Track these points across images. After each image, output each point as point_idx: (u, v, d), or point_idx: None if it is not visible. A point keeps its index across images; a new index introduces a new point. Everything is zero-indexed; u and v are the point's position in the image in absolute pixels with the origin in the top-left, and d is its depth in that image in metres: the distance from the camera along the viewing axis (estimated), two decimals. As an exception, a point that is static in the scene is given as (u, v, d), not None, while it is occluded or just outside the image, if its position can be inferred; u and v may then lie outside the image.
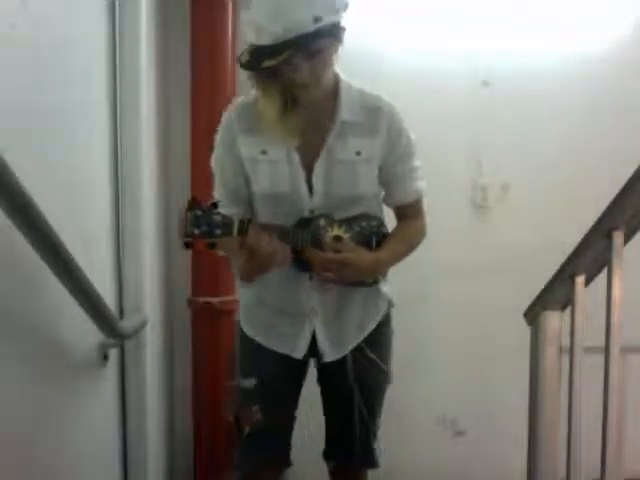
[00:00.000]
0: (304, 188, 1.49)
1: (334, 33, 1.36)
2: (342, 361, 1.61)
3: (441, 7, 2.51)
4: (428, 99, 2.51)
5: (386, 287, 1.67)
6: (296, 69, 1.35)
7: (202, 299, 2.37)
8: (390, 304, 1.70)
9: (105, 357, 1.70)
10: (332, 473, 1.78)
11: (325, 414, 1.74)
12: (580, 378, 1.35)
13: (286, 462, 1.69)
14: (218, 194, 1.57)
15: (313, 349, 1.60)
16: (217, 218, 1.32)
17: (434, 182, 2.55)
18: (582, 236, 1.32)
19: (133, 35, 1.85)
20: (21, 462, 1.18)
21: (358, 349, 1.62)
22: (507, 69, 2.52)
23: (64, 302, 1.35)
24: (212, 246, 1.36)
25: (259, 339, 1.62)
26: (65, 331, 1.44)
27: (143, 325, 1.90)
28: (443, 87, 2.52)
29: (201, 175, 2.36)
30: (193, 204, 1.32)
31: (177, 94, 2.39)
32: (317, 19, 1.28)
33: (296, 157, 1.48)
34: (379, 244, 1.56)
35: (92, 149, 1.69)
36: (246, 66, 1.38)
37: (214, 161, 1.59)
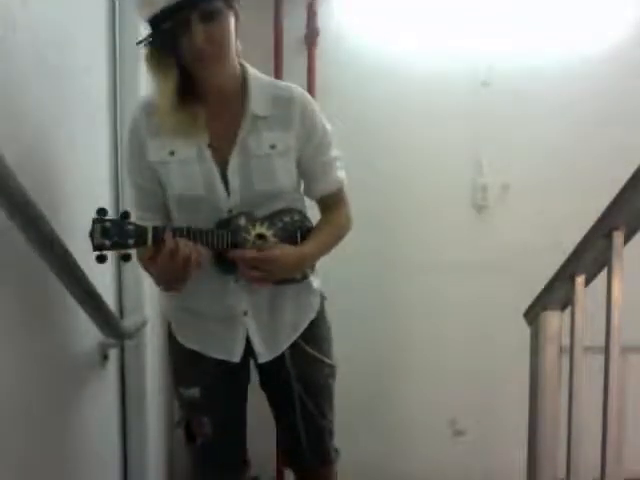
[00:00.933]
0: (220, 187, 1.42)
1: (230, 8, 1.33)
2: (281, 360, 1.56)
3: (441, 7, 2.51)
4: (428, 99, 2.51)
5: (317, 282, 1.62)
6: (193, 32, 1.28)
7: (202, 299, 2.36)
8: (322, 298, 1.65)
9: (105, 357, 1.70)
10: (298, 477, 1.75)
11: (275, 419, 1.70)
12: (580, 378, 1.35)
13: (244, 468, 1.68)
14: (133, 200, 1.51)
15: (249, 351, 1.55)
16: (129, 228, 1.25)
17: (434, 182, 2.58)
18: (582, 236, 1.32)
19: (133, 35, 1.85)
20: (21, 462, 1.18)
21: (295, 346, 1.57)
22: (507, 69, 2.53)
23: (64, 302, 1.35)
24: (127, 258, 1.30)
25: (194, 346, 1.56)
26: (65, 331, 1.44)
27: (143, 325, 1.91)
28: (443, 87, 2.52)
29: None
30: (102, 214, 1.25)
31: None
32: None
33: (208, 154, 1.41)
34: (304, 238, 1.51)
35: (92, 149, 1.69)
36: (144, 40, 1.33)
37: (125, 166, 1.52)
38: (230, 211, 1.42)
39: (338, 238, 1.57)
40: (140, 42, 1.34)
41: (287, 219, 1.48)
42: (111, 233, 1.24)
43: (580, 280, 1.36)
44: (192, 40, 1.28)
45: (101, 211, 1.26)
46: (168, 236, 1.27)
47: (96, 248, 1.25)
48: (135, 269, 1.89)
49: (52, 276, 1.24)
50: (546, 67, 2.53)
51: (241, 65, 1.45)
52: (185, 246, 1.29)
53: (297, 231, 1.50)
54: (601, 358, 1.23)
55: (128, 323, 1.80)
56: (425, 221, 2.57)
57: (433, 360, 2.60)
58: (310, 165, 1.51)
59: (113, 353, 1.77)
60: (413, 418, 2.62)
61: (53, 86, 1.37)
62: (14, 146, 1.07)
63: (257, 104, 1.42)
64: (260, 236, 1.42)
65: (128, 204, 1.87)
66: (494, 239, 2.57)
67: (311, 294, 1.60)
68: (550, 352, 1.53)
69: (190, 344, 1.57)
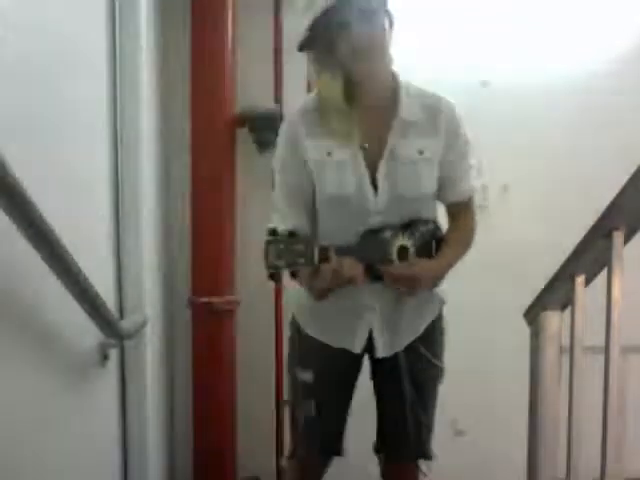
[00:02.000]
0: (369, 189, 1.52)
1: (381, 1, 1.45)
2: (395, 358, 1.65)
3: (441, 7, 2.51)
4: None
5: (440, 288, 1.70)
6: (351, 33, 1.39)
7: (202, 299, 2.37)
8: (442, 303, 1.73)
9: (105, 357, 1.70)
10: (384, 466, 1.82)
11: (378, 409, 1.77)
12: (580, 378, 1.35)
13: (338, 452, 1.77)
14: (281, 195, 1.60)
15: (368, 345, 1.64)
16: (299, 248, 1.35)
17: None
18: (582, 236, 1.32)
19: (133, 35, 1.85)
20: (20, 462, 1.18)
21: (411, 347, 1.65)
22: (507, 69, 2.53)
23: (64, 302, 1.35)
24: (294, 274, 1.45)
25: (319, 337, 1.67)
26: (65, 331, 1.44)
27: (143, 325, 1.91)
28: (443, 87, 2.51)
29: (201, 175, 2.37)
30: (273, 235, 1.36)
31: (177, 94, 2.39)
32: None
33: (360, 157, 1.51)
34: (438, 245, 1.62)
35: (92, 149, 1.69)
36: (305, 43, 1.45)
37: (277, 164, 1.61)
38: (377, 213, 1.52)
39: (467, 245, 1.67)
40: (301, 48, 1.46)
41: (423, 229, 1.58)
42: (284, 253, 1.33)
43: (580, 280, 1.35)
44: (350, 36, 1.39)
45: (273, 232, 1.36)
46: (333, 257, 1.38)
47: (270, 268, 1.34)
48: (135, 269, 1.90)
49: (52, 276, 1.25)
50: (546, 67, 2.53)
51: (394, 74, 1.55)
52: (349, 267, 1.41)
53: (432, 240, 1.60)
54: (601, 358, 1.23)
55: (128, 323, 1.81)
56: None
57: (433, 360, 2.60)
58: (449, 171, 1.59)
59: (113, 353, 1.77)
60: (413, 418, 2.62)
61: (53, 86, 1.37)
62: (14, 146, 1.07)
63: (407, 110, 1.51)
64: (402, 247, 1.52)
65: (128, 203, 1.88)
66: (494, 239, 2.56)
67: (433, 299, 1.69)
68: (550, 352, 1.53)
69: (314, 333, 1.67)
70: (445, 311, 1.75)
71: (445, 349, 1.74)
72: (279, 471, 2.53)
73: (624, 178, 1.14)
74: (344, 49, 1.41)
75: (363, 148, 1.52)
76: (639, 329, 1.56)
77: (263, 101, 2.41)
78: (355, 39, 1.39)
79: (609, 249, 1.21)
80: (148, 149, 1.97)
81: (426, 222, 1.59)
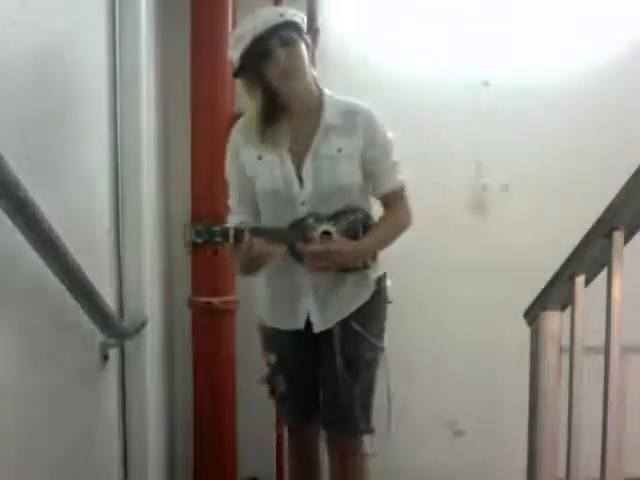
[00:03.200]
0: (296, 183, 1.73)
1: (299, 29, 1.68)
2: (330, 334, 1.80)
3: (441, 7, 2.51)
4: (429, 99, 2.51)
5: (375, 272, 1.85)
6: (276, 59, 1.63)
7: (202, 299, 2.37)
8: (379, 285, 1.86)
9: (105, 357, 1.70)
10: (327, 441, 1.94)
11: (320, 387, 1.92)
12: (580, 378, 1.35)
13: (317, 414, 1.93)
14: (232, 196, 1.86)
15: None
16: (216, 229, 1.62)
17: (434, 182, 2.58)
18: (582, 236, 1.32)
19: (133, 35, 1.85)
20: (21, 461, 1.18)
21: (346, 323, 1.80)
22: (508, 68, 2.53)
23: (64, 302, 1.36)
24: (216, 252, 1.76)
25: (272, 324, 1.89)
26: (65, 331, 1.44)
27: (143, 325, 1.91)
28: (444, 87, 2.52)
29: (201, 175, 2.37)
30: (196, 218, 1.67)
31: (177, 94, 2.39)
32: (281, 14, 1.65)
33: (288, 158, 1.74)
34: (366, 233, 1.78)
35: (92, 149, 1.69)
36: (237, 71, 1.72)
37: (227, 170, 1.86)
38: (303, 203, 1.73)
39: (398, 231, 1.85)
40: (234, 74, 1.74)
41: (351, 217, 1.76)
42: (202, 233, 1.61)
43: (580, 280, 1.35)
44: (275, 61, 1.64)
45: (195, 215, 1.71)
46: (246, 236, 1.62)
47: (190, 244, 1.63)
48: (135, 269, 1.90)
49: (52, 276, 1.25)
50: (547, 67, 2.53)
51: (319, 87, 1.78)
52: (259, 244, 1.63)
53: (359, 227, 1.77)
54: (601, 358, 1.23)
55: (128, 323, 1.81)
56: (425, 221, 2.55)
57: (433, 360, 2.60)
58: (373, 168, 1.79)
59: (113, 353, 1.77)
60: (413, 418, 2.62)
61: (53, 86, 1.37)
62: (14, 146, 1.07)
63: (330, 116, 1.74)
64: (325, 232, 1.71)
65: (128, 204, 1.88)
66: (494, 239, 2.57)
67: (366, 281, 1.84)
68: (550, 352, 1.53)
69: (269, 323, 1.90)
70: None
71: (382, 328, 1.89)
72: (279, 471, 2.53)
73: (624, 178, 1.14)
74: (270, 73, 1.66)
75: (291, 150, 1.74)
76: (639, 329, 1.56)
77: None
78: (278, 63, 1.63)
79: (609, 249, 1.21)
80: (148, 149, 1.97)
81: (355, 211, 1.77)
